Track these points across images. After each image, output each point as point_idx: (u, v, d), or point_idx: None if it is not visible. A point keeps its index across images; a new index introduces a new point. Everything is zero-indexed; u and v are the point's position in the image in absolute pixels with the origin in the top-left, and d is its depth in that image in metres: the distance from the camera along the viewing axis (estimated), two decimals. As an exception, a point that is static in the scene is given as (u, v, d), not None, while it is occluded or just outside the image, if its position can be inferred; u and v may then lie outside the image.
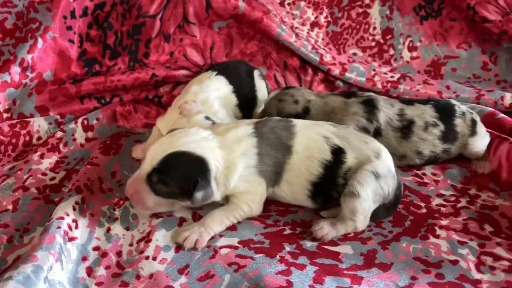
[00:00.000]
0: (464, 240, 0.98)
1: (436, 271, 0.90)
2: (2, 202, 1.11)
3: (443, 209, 1.08)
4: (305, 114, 1.26)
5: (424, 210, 1.08)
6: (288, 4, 1.73)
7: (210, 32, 1.65)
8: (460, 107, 1.26)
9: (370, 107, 1.22)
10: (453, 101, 1.29)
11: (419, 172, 1.23)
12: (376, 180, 0.99)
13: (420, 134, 1.20)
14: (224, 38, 1.67)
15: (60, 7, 1.48)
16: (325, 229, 0.99)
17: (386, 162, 1.03)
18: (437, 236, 0.99)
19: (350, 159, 1.03)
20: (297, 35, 1.66)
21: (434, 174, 1.22)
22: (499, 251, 0.94)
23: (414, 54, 1.80)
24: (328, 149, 1.03)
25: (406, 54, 1.81)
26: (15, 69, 1.43)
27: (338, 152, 1.03)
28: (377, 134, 1.19)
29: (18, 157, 1.34)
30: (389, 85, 1.66)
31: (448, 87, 1.65)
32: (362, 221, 1.01)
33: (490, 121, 1.39)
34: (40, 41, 1.45)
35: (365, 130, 1.19)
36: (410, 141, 1.21)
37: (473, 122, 1.24)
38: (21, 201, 1.11)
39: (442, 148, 1.22)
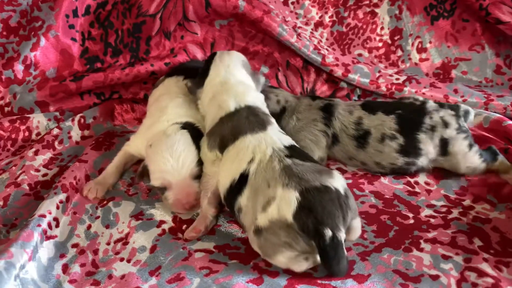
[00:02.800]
0: (449, 254, 0.93)
1: (414, 285, 0.86)
2: (-6, 197, 1.14)
3: (432, 220, 1.04)
4: (281, 113, 1.26)
5: (412, 221, 1.04)
6: (292, 3, 1.71)
7: (211, 30, 1.65)
8: (433, 119, 1.13)
9: (328, 113, 1.20)
10: (429, 111, 1.15)
11: (411, 180, 1.18)
12: (257, 237, 0.86)
13: (376, 145, 1.15)
14: (225, 36, 1.66)
15: (63, 6, 1.50)
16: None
17: (271, 213, 0.84)
18: (421, 249, 0.95)
19: (244, 199, 0.91)
20: (299, 35, 1.63)
21: (427, 184, 1.17)
22: (485, 267, 0.89)
23: (423, 55, 1.74)
24: (247, 160, 0.94)
25: (415, 56, 1.74)
26: (19, 67, 1.47)
27: (242, 180, 0.93)
28: (335, 139, 1.19)
29: (17, 152, 1.38)
30: (393, 87, 1.61)
31: (456, 91, 1.59)
32: None
33: (496, 128, 1.32)
34: (42, 39, 1.49)
35: (325, 133, 1.19)
36: (366, 152, 1.16)
37: (444, 142, 1.12)
38: (11, 197, 1.14)
39: (404, 161, 1.15)
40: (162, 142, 1.06)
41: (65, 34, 1.52)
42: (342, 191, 0.86)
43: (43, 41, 1.49)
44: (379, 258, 0.93)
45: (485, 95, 1.55)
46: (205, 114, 1.13)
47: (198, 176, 1.06)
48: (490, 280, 0.86)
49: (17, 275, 0.85)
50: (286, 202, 0.83)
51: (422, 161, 1.15)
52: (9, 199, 1.14)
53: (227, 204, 0.99)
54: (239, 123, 1.02)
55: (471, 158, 1.13)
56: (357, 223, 0.91)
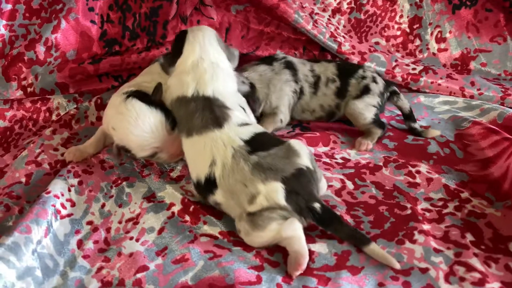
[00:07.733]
0: (440, 248, 0.95)
1: (404, 278, 0.89)
2: (15, 173, 1.21)
3: (427, 214, 1.05)
4: (253, 89, 1.31)
5: (409, 211, 1.05)
6: (310, -11, 1.69)
7: (227, 15, 1.67)
8: (366, 73, 1.38)
9: (293, 70, 1.38)
10: (365, 66, 1.47)
11: (413, 170, 1.18)
12: (251, 216, 0.93)
13: (323, 89, 1.37)
14: (241, 21, 1.68)
15: (83, -11, 1.54)
16: None
17: (260, 203, 0.92)
18: (414, 241, 0.96)
19: (219, 197, 0.99)
20: (315, 22, 1.62)
21: (428, 172, 1.17)
22: (474, 262, 0.91)
23: (442, 46, 1.71)
24: (207, 162, 0.98)
25: (433, 46, 1.71)
26: (40, 48, 1.52)
27: (209, 183, 0.99)
28: (301, 92, 1.38)
29: (37, 132, 1.45)
30: (409, 77, 1.60)
31: (472, 83, 1.57)
32: None
33: (510, 125, 1.30)
34: (63, 21, 1.53)
35: (295, 92, 1.37)
36: (317, 96, 1.38)
37: (365, 88, 1.35)
38: (34, 176, 1.21)
39: (335, 103, 1.38)
40: (122, 121, 1.09)
41: (84, 16, 1.56)
42: (310, 166, 0.98)
43: (63, 24, 1.53)
44: (373, 250, 0.96)
45: (502, 89, 1.53)
46: (168, 86, 1.12)
47: (173, 126, 1.11)
48: (477, 275, 0.88)
49: (34, 250, 0.92)
50: (274, 191, 0.92)
51: (343, 104, 1.36)
52: (31, 177, 1.21)
53: (198, 193, 1.06)
54: (192, 117, 1.03)
55: (366, 113, 1.32)
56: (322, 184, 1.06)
